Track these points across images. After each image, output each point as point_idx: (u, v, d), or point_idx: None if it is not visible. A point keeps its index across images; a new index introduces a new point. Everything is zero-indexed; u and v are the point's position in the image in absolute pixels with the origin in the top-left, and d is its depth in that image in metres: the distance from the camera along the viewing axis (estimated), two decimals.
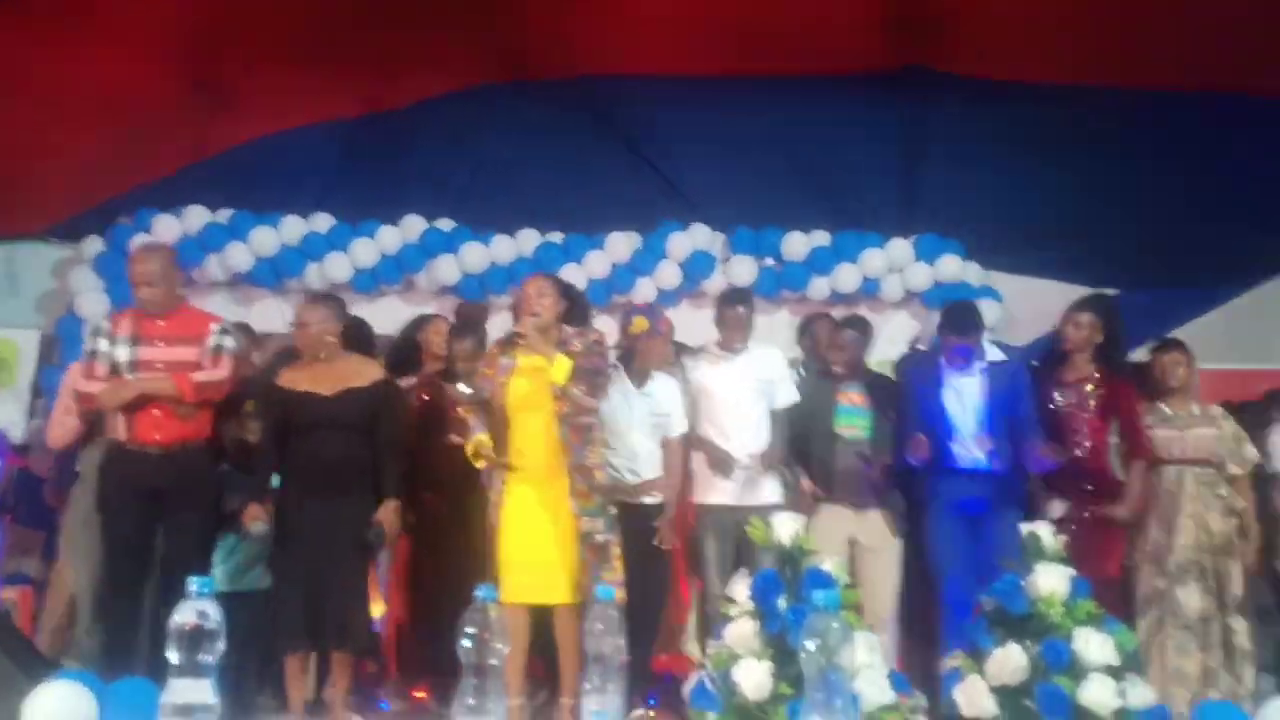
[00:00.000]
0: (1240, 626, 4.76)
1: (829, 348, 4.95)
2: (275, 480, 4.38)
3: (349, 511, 4.21)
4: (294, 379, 4.36)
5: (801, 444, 4.84)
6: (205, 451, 4.43)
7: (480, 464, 4.25)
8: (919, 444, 4.50)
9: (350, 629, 4.19)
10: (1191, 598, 4.76)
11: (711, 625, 4.65)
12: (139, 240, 7.05)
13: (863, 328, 5.01)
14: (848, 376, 4.87)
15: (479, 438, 4.21)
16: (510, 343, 4.28)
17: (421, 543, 4.87)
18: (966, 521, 4.56)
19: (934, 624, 4.89)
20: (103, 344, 4.39)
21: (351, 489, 4.24)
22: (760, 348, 4.91)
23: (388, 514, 4.24)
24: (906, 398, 4.81)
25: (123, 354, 4.35)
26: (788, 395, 4.84)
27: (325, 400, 4.26)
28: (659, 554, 4.63)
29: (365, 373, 4.40)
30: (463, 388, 4.86)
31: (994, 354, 4.73)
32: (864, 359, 5.01)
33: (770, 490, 4.76)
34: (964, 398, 4.65)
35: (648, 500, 4.64)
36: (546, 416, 4.17)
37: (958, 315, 4.77)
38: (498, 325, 7.23)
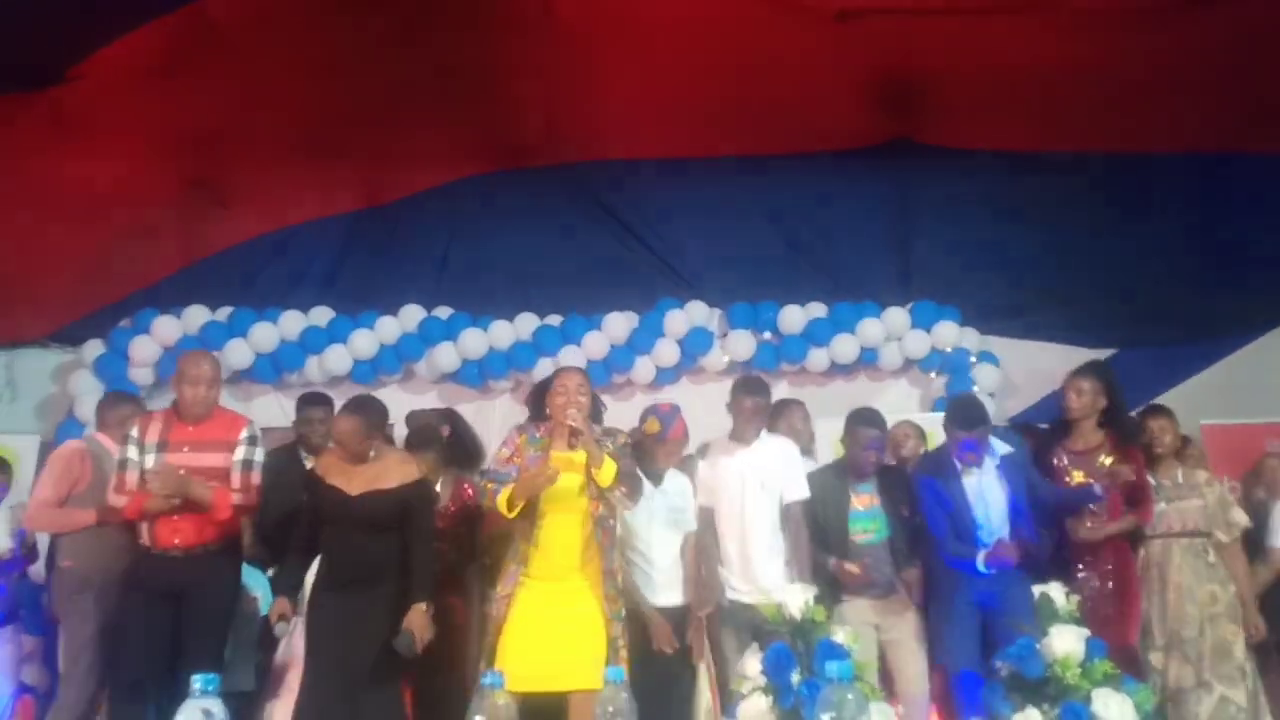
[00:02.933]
0: (1238, 696, 4.66)
1: (854, 450, 4.76)
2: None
3: (375, 609, 4.10)
4: (327, 468, 4.29)
5: (820, 541, 4.72)
6: (225, 552, 4.42)
7: (517, 511, 4.05)
8: (996, 553, 4.37)
9: None
10: (1174, 669, 4.70)
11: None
12: (141, 342, 7.13)
13: (881, 422, 4.82)
14: (861, 478, 4.76)
15: (506, 490, 4.05)
16: (564, 437, 4.13)
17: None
18: (978, 618, 4.47)
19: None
20: (132, 452, 4.40)
21: (375, 587, 4.14)
22: (772, 439, 4.81)
23: (416, 618, 4.07)
24: (921, 500, 4.67)
25: (149, 460, 4.36)
26: (799, 490, 4.69)
27: (348, 500, 4.19)
28: (681, 673, 4.53)
29: (397, 473, 4.26)
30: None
31: (1002, 448, 4.64)
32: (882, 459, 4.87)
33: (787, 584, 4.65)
34: (987, 492, 4.55)
35: (665, 603, 4.57)
36: (577, 515, 4.08)
37: (962, 409, 4.69)
38: (499, 410, 7.36)
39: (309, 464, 4.50)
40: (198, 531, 4.33)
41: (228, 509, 4.34)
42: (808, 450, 5.29)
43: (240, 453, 4.46)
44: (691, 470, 4.83)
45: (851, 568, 4.55)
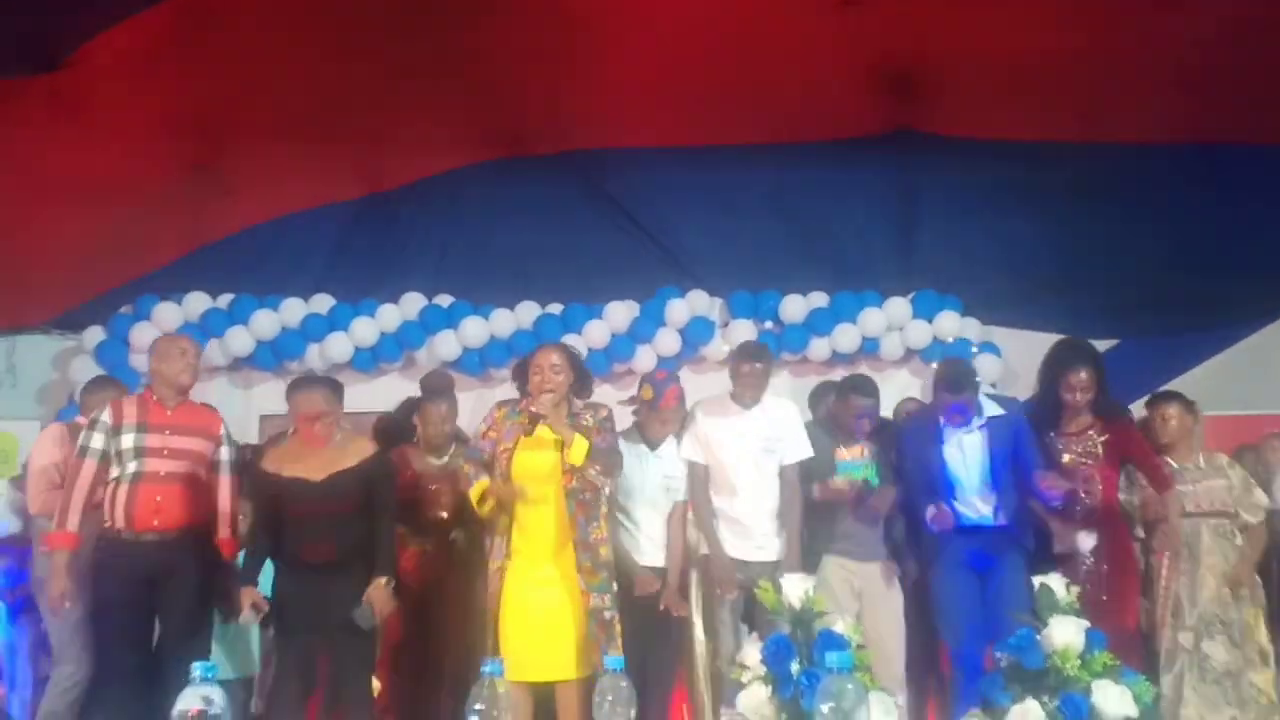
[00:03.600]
0: (1262, 680, 4.67)
1: (846, 418, 4.81)
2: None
3: (347, 593, 4.10)
4: (280, 463, 4.25)
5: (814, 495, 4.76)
6: (199, 536, 4.40)
7: (487, 508, 4.14)
8: (942, 515, 4.46)
9: (359, 711, 4.12)
10: (1218, 651, 4.70)
11: (723, 682, 4.60)
12: (142, 328, 7.13)
13: (874, 391, 4.87)
14: (851, 439, 4.78)
15: (480, 483, 4.13)
16: (519, 410, 4.22)
17: (402, 621, 4.80)
18: (974, 577, 4.51)
19: (941, 681, 4.84)
20: (96, 440, 4.36)
21: (348, 570, 4.15)
22: (773, 402, 4.82)
23: (378, 592, 4.11)
24: (906, 458, 4.76)
25: (127, 441, 4.34)
26: (800, 450, 4.73)
27: (315, 486, 4.16)
28: (666, 628, 4.56)
29: (354, 450, 4.27)
30: (433, 460, 4.86)
31: (992, 409, 4.68)
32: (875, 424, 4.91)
33: (780, 547, 4.70)
34: (966, 453, 4.61)
35: (655, 568, 4.59)
36: (553, 491, 4.12)
37: (950, 373, 4.73)
38: (500, 399, 7.34)
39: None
40: (175, 515, 4.31)
41: (229, 548, 4.41)
42: None
43: (226, 453, 4.50)
44: (690, 426, 4.81)
45: (839, 481, 4.56)
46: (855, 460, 4.69)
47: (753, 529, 4.65)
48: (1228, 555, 4.82)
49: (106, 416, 4.41)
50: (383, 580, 4.14)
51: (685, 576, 4.73)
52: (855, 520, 4.71)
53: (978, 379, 4.78)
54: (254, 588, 4.20)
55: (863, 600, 4.67)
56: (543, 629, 4.02)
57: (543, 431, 4.15)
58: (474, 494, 4.14)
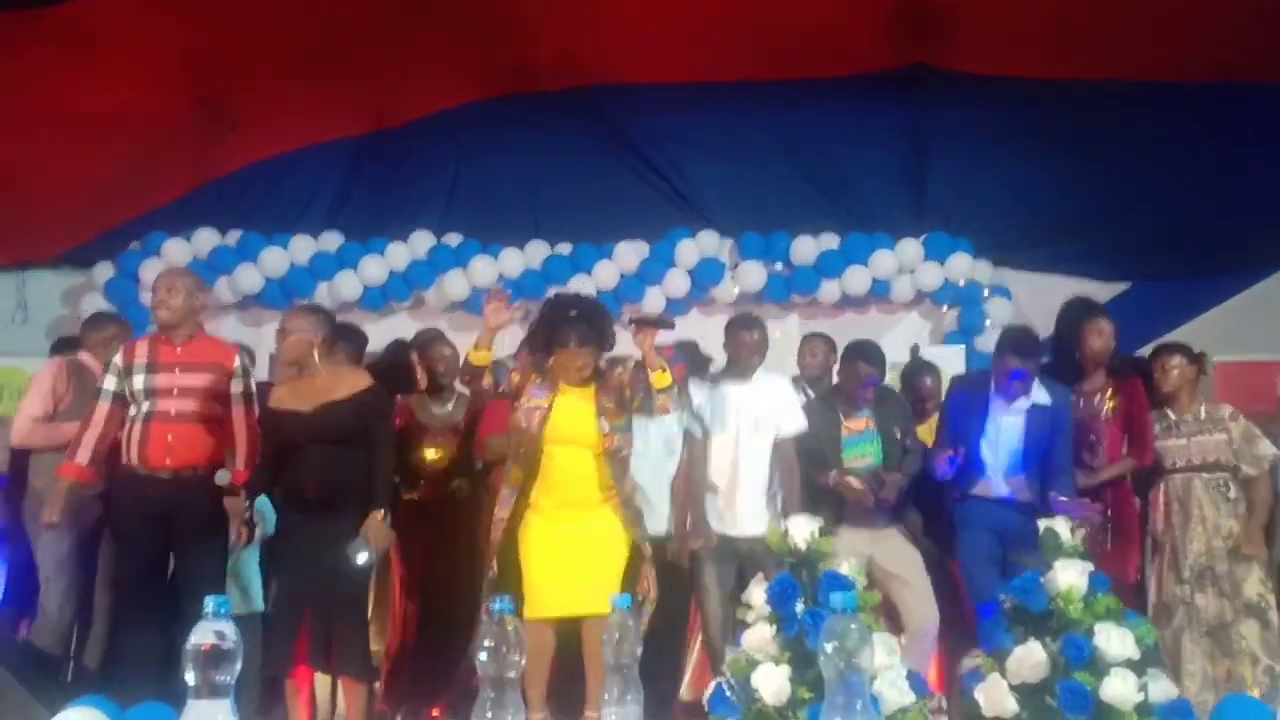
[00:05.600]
0: (1249, 632, 4.70)
1: (851, 384, 4.73)
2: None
3: (342, 530, 4.06)
4: (280, 397, 4.24)
5: (814, 473, 4.72)
6: (210, 474, 4.38)
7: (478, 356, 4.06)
8: (946, 460, 4.48)
9: (353, 656, 4.10)
10: (1209, 603, 4.73)
11: (713, 652, 4.63)
12: (151, 265, 7.13)
13: (880, 359, 4.79)
14: (854, 409, 4.72)
15: (477, 352, 4.06)
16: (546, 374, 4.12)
17: (410, 560, 4.84)
18: (998, 540, 4.50)
19: (961, 630, 4.87)
20: (110, 382, 4.37)
21: (342, 507, 4.10)
22: (767, 376, 4.74)
23: (372, 526, 4.06)
24: (950, 417, 4.70)
25: (138, 381, 4.34)
26: (795, 423, 4.65)
27: (305, 417, 4.12)
28: (674, 583, 4.58)
29: (348, 383, 4.20)
30: (436, 409, 4.87)
31: (1041, 397, 4.58)
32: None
33: (770, 520, 4.68)
34: (1001, 436, 4.56)
35: (655, 531, 4.59)
36: (591, 449, 4.05)
37: (1019, 339, 4.61)
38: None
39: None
40: (187, 453, 4.32)
41: (243, 478, 4.36)
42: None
43: (239, 385, 4.43)
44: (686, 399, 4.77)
45: (854, 481, 4.56)
46: (860, 434, 4.66)
47: (739, 504, 4.60)
48: (1219, 508, 4.81)
49: (118, 359, 4.40)
50: (379, 514, 4.08)
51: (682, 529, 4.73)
52: (864, 506, 4.68)
53: (1040, 347, 4.66)
54: (246, 527, 4.21)
55: (879, 553, 4.59)
56: (575, 565, 3.97)
57: (579, 390, 4.08)
58: (472, 358, 4.09)
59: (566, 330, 4.04)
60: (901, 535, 4.73)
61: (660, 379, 4.01)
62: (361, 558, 4.04)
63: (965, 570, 4.60)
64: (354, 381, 4.22)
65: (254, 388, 4.50)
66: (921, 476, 4.75)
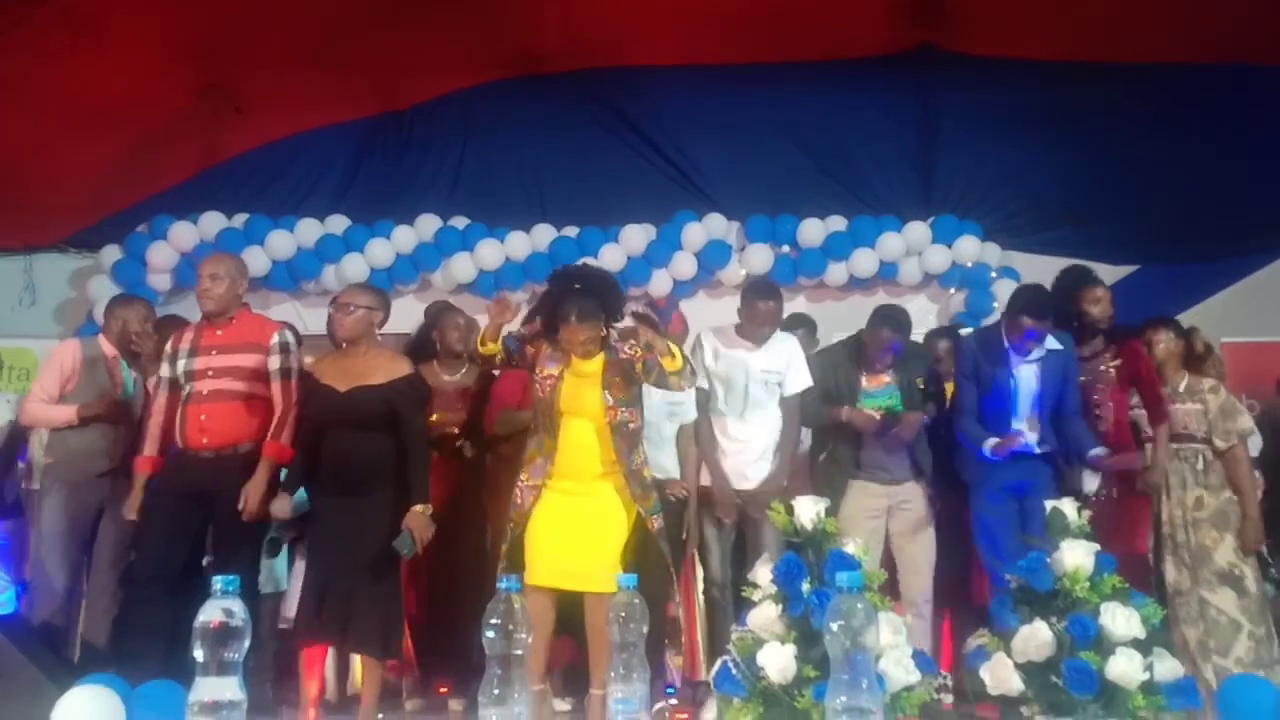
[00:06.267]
0: (1220, 600, 4.71)
1: (874, 348, 4.78)
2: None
3: (367, 512, 4.10)
4: (320, 369, 4.28)
5: (826, 423, 4.78)
6: (253, 455, 4.39)
7: (489, 349, 4.15)
8: (1008, 443, 4.50)
9: (368, 634, 4.10)
10: (1168, 571, 4.78)
11: (714, 609, 4.68)
12: (158, 248, 7.15)
13: (906, 326, 4.82)
14: (874, 367, 4.78)
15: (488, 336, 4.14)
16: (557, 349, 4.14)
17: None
18: (1015, 504, 4.54)
19: (964, 606, 4.89)
20: (165, 369, 4.46)
21: (367, 488, 4.13)
22: (781, 340, 4.83)
23: (416, 520, 4.07)
24: (967, 374, 4.76)
25: (181, 366, 4.41)
26: (800, 381, 4.77)
27: (338, 397, 4.16)
28: (658, 547, 4.61)
29: (386, 369, 4.22)
30: (446, 376, 4.91)
31: (1052, 343, 4.66)
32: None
33: (775, 472, 4.74)
34: (1021, 383, 4.65)
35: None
36: (595, 422, 4.07)
37: (1033, 298, 4.68)
38: (515, 322, 7.34)
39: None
40: (223, 432, 4.34)
41: (276, 451, 4.32)
42: None
43: (275, 361, 4.42)
44: (698, 355, 4.84)
45: (869, 412, 4.61)
46: (880, 388, 4.71)
47: (742, 459, 4.71)
48: (1185, 479, 4.85)
49: (169, 346, 4.49)
50: (420, 508, 4.10)
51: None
52: (882, 448, 4.72)
53: (1053, 307, 4.71)
54: (286, 496, 4.18)
55: (893, 516, 4.70)
56: (581, 539, 3.99)
57: (588, 365, 4.10)
58: (481, 337, 4.17)
59: (568, 305, 4.04)
60: (920, 495, 4.78)
61: (671, 363, 4.01)
62: (406, 550, 4.08)
63: (983, 535, 4.62)
64: (392, 368, 4.25)
65: (293, 363, 4.47)
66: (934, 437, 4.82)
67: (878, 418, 4.63)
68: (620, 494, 4.05)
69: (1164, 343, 5.02)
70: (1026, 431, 4.61)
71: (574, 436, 4.07)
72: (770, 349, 4.77)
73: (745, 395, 4.73)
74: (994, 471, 4.60)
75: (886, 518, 4.71)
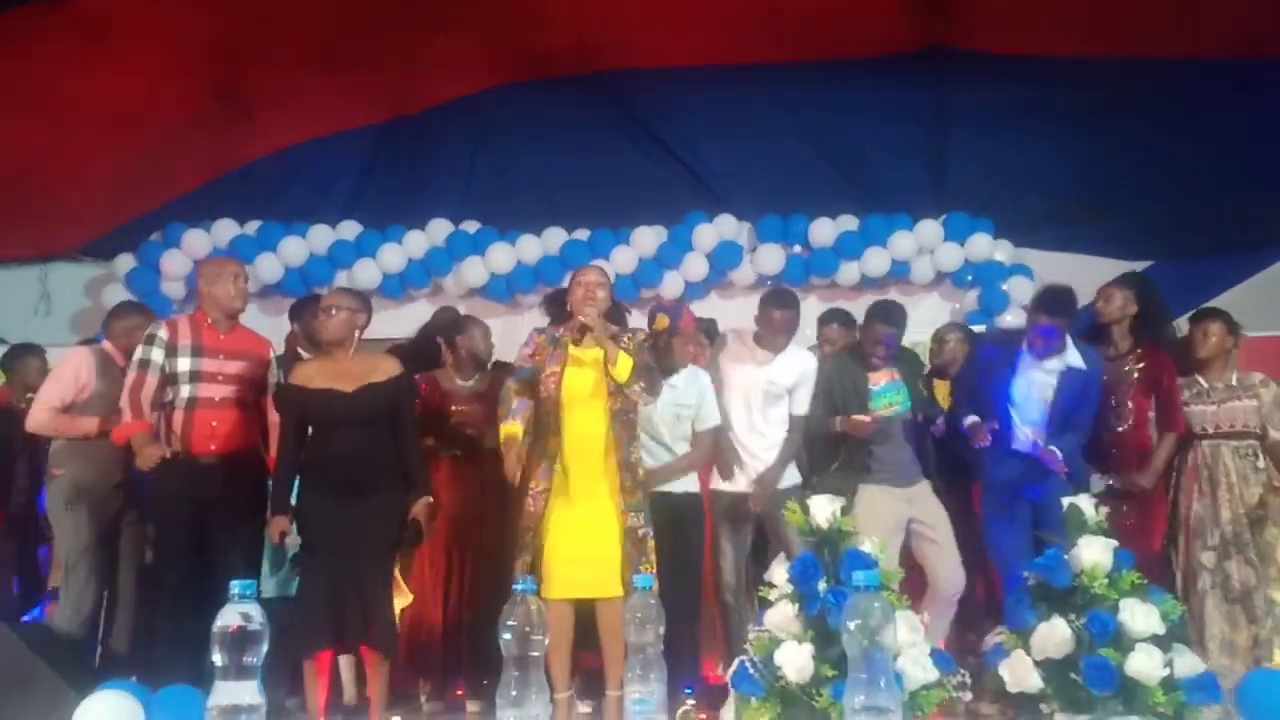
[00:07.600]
0: (1278, 595, 4.69)
1: (868, 344, 4.80)
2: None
3: (374, 509, 4.14)
4: (309, 376, 4.26)
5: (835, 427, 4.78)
6: (254, 460, 4.45)
7: (510, 451, 4.16)
8: (980, 431, 4.49)
9: (389, 635, 4.14)
10: (1237, 570, 4.72)
11: (726, 615, 4.67)
12: (172, 256, 7.17)
13: (900, 320, 4.84)
14: (874, 363, 4.78)
15: (509, 427, 4.16)
16: (575, 331, 4.16)
17: (442, 538, 4.85)
18: (1024, 502, 4.52)
19: (983, 600, 4.88)
20: (156, 354, 4.38)
21: (375, 486, 4.16)
22: (795, 353, 4.82)
23: (423, 510, 4.19)
24: (977, 373, 4.77)
25: (183, 364, 4.38)
26: (801, 408, 4.77)
27: (347, 397, 4.17)
28: (689, 544, 4.61)
29: (384, 368, 4.31)
30: (460, 382, 4.95)
31: (1075, 359, 4.60)
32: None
33: (786, 475, 4.75)
34: (1034, 391, 4.59)
35: (677, 490, 4.62)
36: (599, 411, 4.13)
37: (1051, 297, 4.64)
38: (527, 325, 7.35)
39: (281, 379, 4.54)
40: (229, 439, 4.37)
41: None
42: None
43: (273, 375, 4.55)
44: (713, 363, 4.88)
45: (861, 418, 4.61)
46: (888, 384, 4.72)
47: (751, 469, 4.74)
48: (1247, 476, 4.81)
49: (163, 333, 4.41)
50: (426, 498, 4.22)
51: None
52: (890, 449, 4.70)
53: (1075, 308, 4.68)
54: (283, 516, 4.20)
55: (914, 516, 4.65)
56: (589, 546, 4.03)
57: (588, 353, 4.14)
58: (502, 433, 4.19)
59: (579, 269, 4.32)
60: (931, 490, 4.77)
61: (616, 373, 4.06)
62: (416, 541, 4.22)
63: (992, 535, 4.61)
64: (389, 366, 4.35)
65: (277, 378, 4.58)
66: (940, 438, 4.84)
67: (868, 420, 4.61)
68: (614, 497, 4.09)
69: (1216, 336, 4.93)
70: (1031, 435, 4.55)
71: (578, 427, 4.12)
72: (781, 363, 4.76)
73: (757, 406, 4.74)
74: (1000, 473, 4.59)
75: (907, 518, 4.67)
